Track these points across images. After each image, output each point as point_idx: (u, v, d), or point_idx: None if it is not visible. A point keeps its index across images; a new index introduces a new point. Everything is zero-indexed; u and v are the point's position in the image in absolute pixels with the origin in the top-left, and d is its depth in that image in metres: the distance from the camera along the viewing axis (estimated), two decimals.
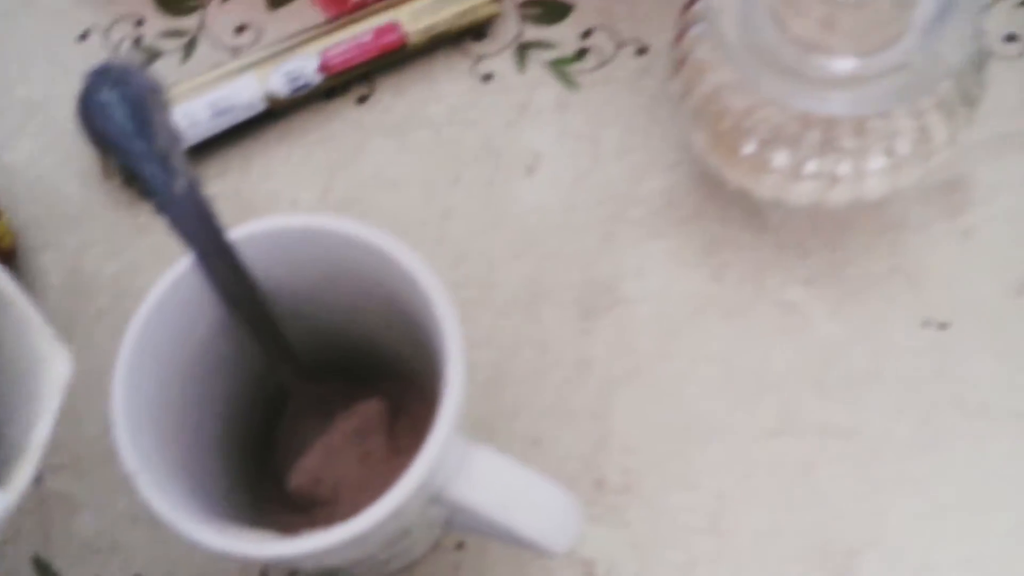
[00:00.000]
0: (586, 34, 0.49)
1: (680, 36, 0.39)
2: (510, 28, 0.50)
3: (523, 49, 0.49)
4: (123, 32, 0.51)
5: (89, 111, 0.29)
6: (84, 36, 0.51)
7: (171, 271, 0.32)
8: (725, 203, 0.45)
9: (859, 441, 0.41)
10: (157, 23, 0.51)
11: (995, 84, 0.46)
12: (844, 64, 0.35)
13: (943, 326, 0.43)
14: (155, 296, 0.32)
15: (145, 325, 0.32)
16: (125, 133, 0.28)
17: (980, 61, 0.38)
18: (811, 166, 0.37)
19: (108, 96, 0.28)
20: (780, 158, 0.37)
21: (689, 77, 0.38)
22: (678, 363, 0.43)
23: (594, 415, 0.42)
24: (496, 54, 0.49)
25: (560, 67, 0.49)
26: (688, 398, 0.42)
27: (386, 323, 0.36)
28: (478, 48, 0.49)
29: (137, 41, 0.51)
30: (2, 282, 0.25)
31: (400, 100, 0.49)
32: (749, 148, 0.38)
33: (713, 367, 0.43)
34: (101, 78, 0.29)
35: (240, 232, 0.33)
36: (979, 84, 0.38)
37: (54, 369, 0.25)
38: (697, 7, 0.37)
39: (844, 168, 0.37)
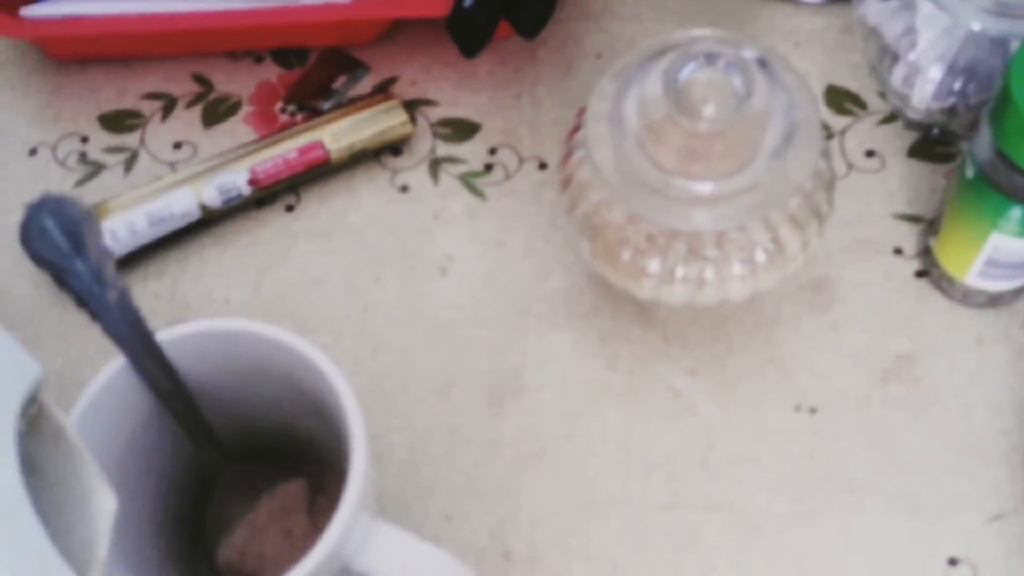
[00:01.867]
0: (492, 151, 0.54)
1: (566, 158, 0.43)
2: (424, 145, 0.54)
3: (436, 164, 0.53)
4: (69, 148, 0.54)
5: (30, 236, 0.32)
6: (33, 151, 0.54)
7: (106, 369, 0.36)
8: (616, 300, 0.49)
9: (740, 515, 0.45)
10: (100, 140, 0.54)
11: (856, 195, 0.51)
12: (703, 187, 0.39)
13: (813, 411, 0.47)
14: (92, 391, 0.36)
15: (83, 417, 0.35)
16: (62, 254, 0.32)
17: (828, 180, 0.42)
18: (680, 272, 0.41)
19: (46, 223, 0.32)
20: (653, 265, 0.42)
21: (574, 194, 0.43)
22: (578, 444, 0.46)
23: (502, 492, 0.45)
24: (412, 168, 0.53)
25: (469, 180, 0.53)
26: (587, 475, 0.46)
27: (303, 412, 0.39)
28: (395, 163, 0.53)
29: (82, 156, 0.54)
30: (62, 420, 0.28)
31: (324, 209, 0.52)
32: (626, 256, 0.42)
33: (609, 447, 0.46)
34: (40, 208, 0.32)
35: (168, 335, 0.36)
36: (827, 200, 0.42)
37: (104, 503, 0.29)
38: (578, 135, 0.42)
39: (709, 274, 0.41)
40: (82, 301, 0.34)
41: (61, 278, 0.33)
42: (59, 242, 0.32)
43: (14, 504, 0.25)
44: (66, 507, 0.27)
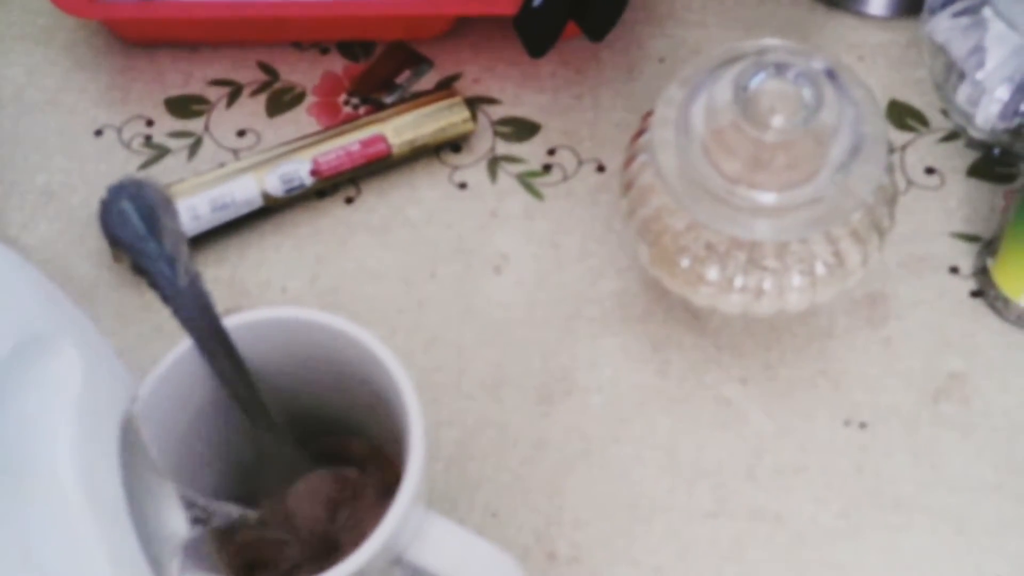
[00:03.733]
0: (551, 152, 0.54)
1: (628, 162, 0.43)
2: (484, 143, 0.54)
3: (495, 162, 0.54)
4: (135, 131, 0.55)
5: (109, 218, 0.33)
6: (99, 133, 0.55)
7: (172, 352, 0.36)
8: (669, 306, 0.49)
9: (785, 526, 0.45)
10: (166, 124, 0.55)
11: (915, 212, 0.51)
12: (766, 197, 0.39)
13: (863, 426, 0.46)
14: (158, 373, 0.36)
15: (148, 398, 0.36)
16: (138, 236, 0.33)
17: (890, 195, 0.42)
18: (739, 281, 0.42)
19: (125, 206, 0.33)
20: (712, 273, 0.42)
21: (635, 198, 0.43)
22: (626, 448, 0.46)
23: (548, 492, 0.46)
24: (471, 165, 0.54)
25: (527, 179, 0.53)
26: (634, 480, 0.46)
27: (360, 402, 0.40)
28: (455, 159, 0.54)
29: (147, 139, 0.55)
30: (146, 438, 0.29)
31: (383, 202, 0.53)
32: (685, 263, 0.42)
33: (657, 453, 0.46)
34: (119, 191, 0.33)
35: (234, 321, 0.37)
36: (889, 216, 0.42)
37: (176, 523, 0.29)
38: (642, 139, 0.42)
39: (768, 284, 0.41)
40: (155, 283, 0.34)
41: (135, 260, 0.34)
42: (136, 225, 0.33)
43: (117, 512, 0.25)
44: (138, 518, 0.27)
